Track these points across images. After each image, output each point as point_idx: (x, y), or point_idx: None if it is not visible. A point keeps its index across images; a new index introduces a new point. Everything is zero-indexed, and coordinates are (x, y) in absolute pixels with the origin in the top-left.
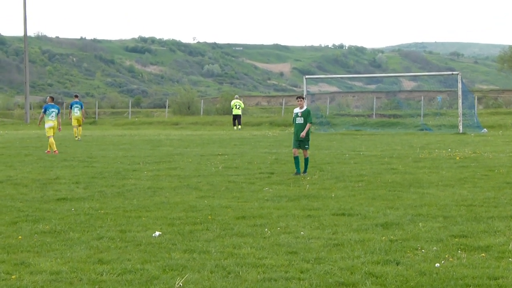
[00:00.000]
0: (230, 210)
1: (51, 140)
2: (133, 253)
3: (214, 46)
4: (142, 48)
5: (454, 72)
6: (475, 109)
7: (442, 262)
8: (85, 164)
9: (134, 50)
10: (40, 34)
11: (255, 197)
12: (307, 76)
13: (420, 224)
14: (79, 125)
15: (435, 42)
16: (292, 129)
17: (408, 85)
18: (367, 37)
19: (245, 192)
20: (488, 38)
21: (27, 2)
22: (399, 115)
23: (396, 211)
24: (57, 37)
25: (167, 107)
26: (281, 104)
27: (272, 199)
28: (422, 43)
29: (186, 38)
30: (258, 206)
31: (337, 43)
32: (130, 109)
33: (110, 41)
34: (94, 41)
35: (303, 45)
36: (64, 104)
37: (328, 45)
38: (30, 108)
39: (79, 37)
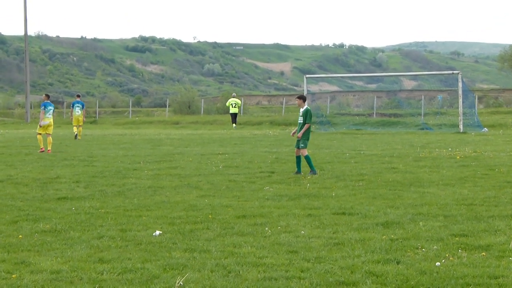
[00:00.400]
0: (230, 209)
1: (39, 137)
2: (134, 252)
3: (215, 45)
4: (143, 47)
5: (454, 72)
6: (476, 108)
7: (443, 261)
8: (85, 163)
9: (134, 49)
10: (40, 34)
11: (255, 196)
12: (307, 76)
13: (421, 223)
14: (80, 125)
15: (436, 41)
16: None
17: (409, 84)
18: (368, 36)
19: (245, 191)
20: (489, 37)
21: (28, 2)
22: (399, 114)
23: (397, 210)
24: (58, 37)
25: (167, 106)
26: (282, 104)
27: (273, 198)
28: (423, 42)
29: (187, 37)
30: (259, 205)
31: (337, 42)
32: (130, 109)
33: (110, 41)
34: (95, 40)
35: (304, 44)
36: (65, 103)
37: (328, 44)
38: (31, 107)
39: (79, 37)
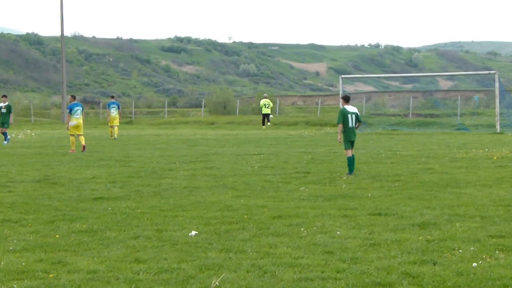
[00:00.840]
0: (266, 209)
1: (72, 138)
2: (170, 252)
3: (250, 45)
4: (178, 48)
5: (491, 72)
6: None
7: (480, 262)
8: (121, 163)
9: (170, 50)
10: (76, 34)
11: (291, 196)
12: (343, 76)
13: (457, 224)
14: (116, 125)
15: (472, 41)
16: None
17: (445, 84)
18: (404, 37)
19: (281, 192)
20: None
21: (64, 3)
22: (435, 114)
23: (433, 211)
24: (94, 37)
25: (203, 106)
26: (317, 104)
27: (308, 198)
28: (459, 42)
29: (222, 37)
30: (294, 206)
31: (373, 43)
32: (166, 109)
33: (146, 41)
34: (130, 41)
35: (339, 44)
36: (101, 103)
37: (364, 45)
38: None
39: (115, 37)
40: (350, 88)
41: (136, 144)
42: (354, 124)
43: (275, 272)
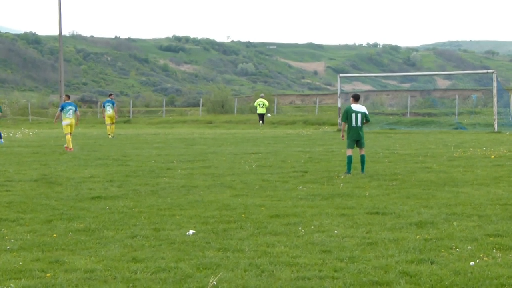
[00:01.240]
0: (263, 208)
1: (68, 137)
2: (167, 252)
3: (248, 45)
4: (176, 47)
5: (489, 71)
6: (510, 107)
7: (477, 261)
8: (119, 162)
9: (168, 49)
10: (75, 33)
11: (288, 195)
12: (341, 75)
13: (455, 223)
14: (112, 123)
15: (470, 40)
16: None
17: (443, 83)
18: (402, 36)
19: (278, 191)
20: None
21: (62, 2)
22: (433, 113)
23: (431, 210)
24: (92, 36)
25: (201, 105)
26: (315, 103)
27: (306, 197)
28: (457, 41)
29: (220, 37)
30: (292, 205)
31: (371, 42)
32: (164, 108)
33: (144, 40)
34: (129, 40)
35: (337, 43)
36: (99, 103)
37: (362, 44)
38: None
39: (113, 36)
40: (348, 87)
41: (134, 143)
42: (359, 124)
43: (273, 271)
